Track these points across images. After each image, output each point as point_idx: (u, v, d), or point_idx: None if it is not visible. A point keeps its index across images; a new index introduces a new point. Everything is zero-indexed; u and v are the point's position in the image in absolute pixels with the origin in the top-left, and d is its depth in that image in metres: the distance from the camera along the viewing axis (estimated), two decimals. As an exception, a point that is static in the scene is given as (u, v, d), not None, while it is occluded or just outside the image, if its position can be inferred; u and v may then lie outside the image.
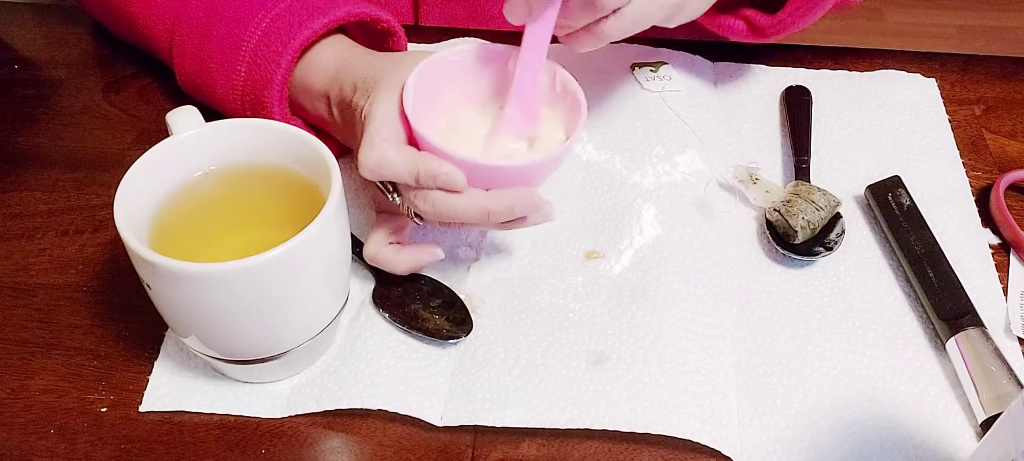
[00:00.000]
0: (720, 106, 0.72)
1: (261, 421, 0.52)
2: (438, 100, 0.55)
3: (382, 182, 0.53)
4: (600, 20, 0.54)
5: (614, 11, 0.53)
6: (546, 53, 0.54)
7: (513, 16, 0.53)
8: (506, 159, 0.55)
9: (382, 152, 0.50)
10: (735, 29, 0.70)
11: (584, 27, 0.54)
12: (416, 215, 0.54)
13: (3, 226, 0.62)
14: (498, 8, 0.79)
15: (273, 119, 0.60)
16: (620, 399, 0.51)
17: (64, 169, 0.67)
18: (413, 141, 0.52)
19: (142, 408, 0.52)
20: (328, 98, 0.59)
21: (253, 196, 0.54)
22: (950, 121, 0.72)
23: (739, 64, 0.76)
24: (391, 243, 0.56)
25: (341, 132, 0.61)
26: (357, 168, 0.64)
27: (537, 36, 0.53)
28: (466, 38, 0.76)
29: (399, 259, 0.55)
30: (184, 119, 0.52)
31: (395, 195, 0.53)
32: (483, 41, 0.57)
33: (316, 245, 0.47)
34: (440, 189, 0.51)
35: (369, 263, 0.56)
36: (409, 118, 0.51)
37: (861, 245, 0.62)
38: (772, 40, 0.70)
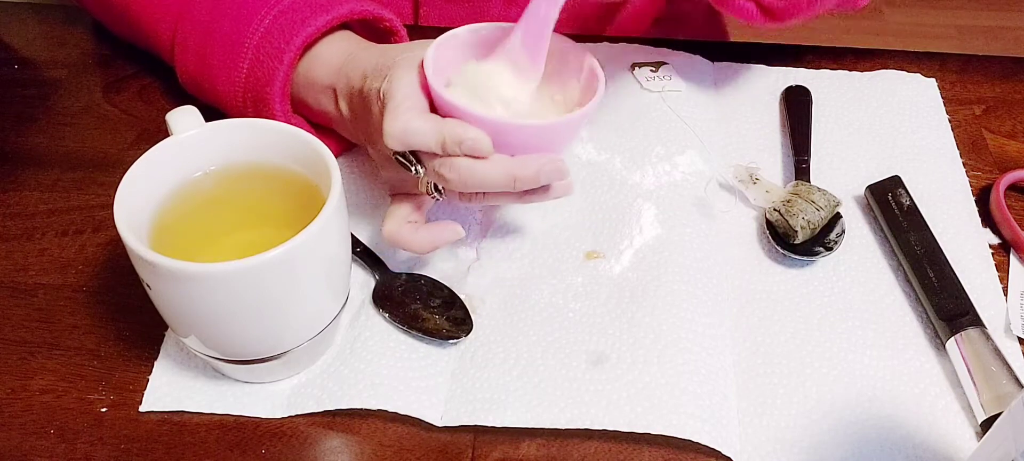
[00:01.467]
0: (720, 106, 0.72)
1: (261, 421, 0.52)
2: (452, 78, 0.55)
3: (404, 155, 0.53)
4: None
5: None
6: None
7: None
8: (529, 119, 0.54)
9: (407, 120, 0.50)
10: (746, 11, 0.68)
11: None
12: (436, 189, 0.53)
13: (3, 226, 0.62)
14: (498, 8, 0.80)
15: (275, 117, 0.60)
16: (620, 399, 0.51)
17: (64, 169, 0.67)
18: (434, 113, 0.52)
19: (142, 408, 0.52)
20: (334, 91, 0.59)
21: (253, 196, 0.54)
22: (950, 121, 0.72)
23: (739, 64, 0.76)
24: (410, 222, 0.56)
25: (347, 127, 0.60)
26: (357, 167, 0.65)
27: None
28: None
29: (418, 238, 0.55)
30: (184, 119, 0.52)
31: (418, 167, 0.53)
32: (498, 23, 0.57)
33: (316, 245, 0.47)
34: (466, 155, 0.50)
35: (377, 247, 0.56)
36: (430, 84, 0.51)
37: (861, 245, 0.62)
38: (784, 24, 0.68)
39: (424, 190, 0.54)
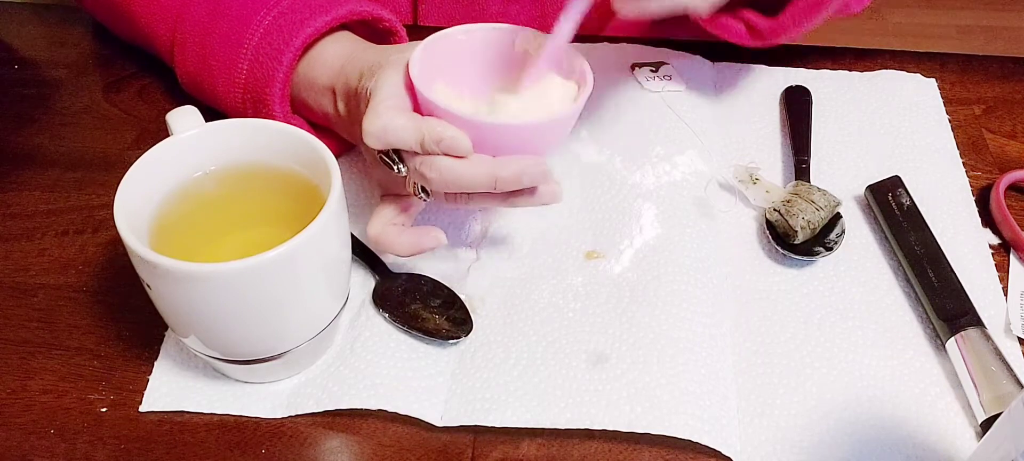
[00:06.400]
0: (720, 106, 0.72)
1: (261, 421, 0.52)
2: (442, 78, 0.55)
3: (386, 154, 0.53)
4: None
5: None
6: (586, 6, 0.52)
7: None
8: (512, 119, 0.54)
9: (387, 119, 0.50)
10: (734, 31, 0.69)
11: None
12: (422, 190, 0.53)
13: (3, 226, 0.62)
14: (496, 8, 0.80)
15: (275, 117, 0.60)
16: (620, 399, 0.51)
17: (64, 169, 0.67)
18: (419, 112, 0.52)
19: (142, 408, 0.52)
20: (333, 92, 0.59)
21: (253, 196, 0.54)
22: (950, 121, 0.72)
23: (739, 64, 0.76)
24: (394, 225, 0.56)
25: (346, 127, 0.60)
26: (357, 167, 0.65)
27: None
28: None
29: (401, 241, 0.55)
30: (184, 119, 0.52)
31: (400, 166, 0.53)
32: (491, 24, 0.57)
33: (316, 245, 0.47)
34: (446, 154, 0.50)
35: (371, 246, 0.56)
36: (414, 82, 0.51)
37: (861, 245, 0.62)
38: (770, 44, 0.69)
39: (410, 190, 0.54)
